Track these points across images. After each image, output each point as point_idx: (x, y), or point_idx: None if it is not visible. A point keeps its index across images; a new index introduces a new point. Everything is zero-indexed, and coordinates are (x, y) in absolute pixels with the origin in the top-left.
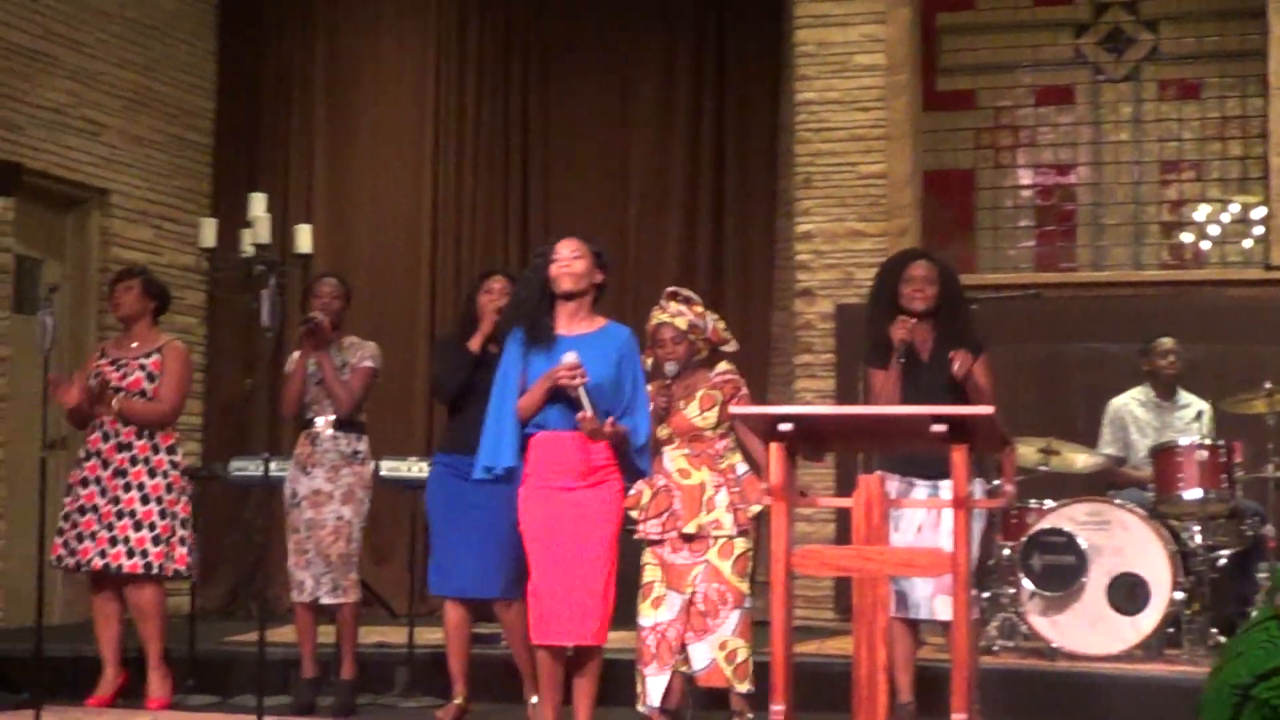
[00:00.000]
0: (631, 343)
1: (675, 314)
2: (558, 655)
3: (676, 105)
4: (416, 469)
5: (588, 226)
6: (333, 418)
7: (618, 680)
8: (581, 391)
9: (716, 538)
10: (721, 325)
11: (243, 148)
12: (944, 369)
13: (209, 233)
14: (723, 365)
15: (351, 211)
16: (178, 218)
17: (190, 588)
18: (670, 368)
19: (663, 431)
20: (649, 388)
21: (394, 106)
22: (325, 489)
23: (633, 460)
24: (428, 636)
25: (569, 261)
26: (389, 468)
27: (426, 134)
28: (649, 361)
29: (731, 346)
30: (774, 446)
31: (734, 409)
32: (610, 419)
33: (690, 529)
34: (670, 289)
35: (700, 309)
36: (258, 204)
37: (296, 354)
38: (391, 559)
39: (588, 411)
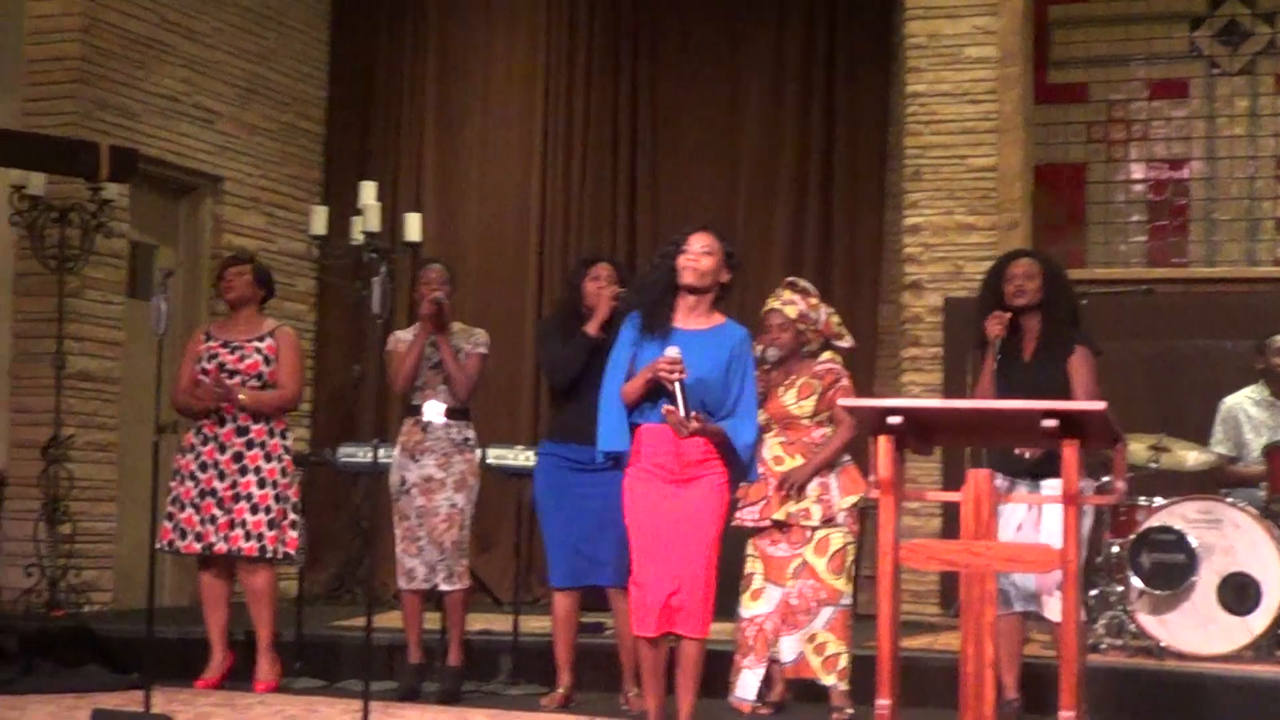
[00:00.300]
0: (745, 343)
1: (786, 302)
2: (659, 646)
3: (786, 96)
4: (523, 458)
5: (695, 215)
6: (443, 406)
7: (723, 672)
8: (677, 387)
9: (812, 529)
10: (836, 320)
11: (354, 136)
12: (1045, 368)
13: (320, 220)
14: (825, 355)
15: (460, 200)
16: (289, 205)
17: (298, 572)
18: (771, 353)
19: (760, 417)
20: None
21: (504, 95)
22: (437, 476)
23: (737, 460)
24: (532, 624)
25: (697, 257)
26: (495, 456)
27: (536, 123)
28: (759, 348)
29: (846, 343)
30: (882, 439)
31: (843, 401)
32: (695, 415)
33: (779, 516)
34: (789, 279)
35: (815, 301)
36: (368, 192)
37: (400, 333)
38: (495, 547)
39: (679, 409)
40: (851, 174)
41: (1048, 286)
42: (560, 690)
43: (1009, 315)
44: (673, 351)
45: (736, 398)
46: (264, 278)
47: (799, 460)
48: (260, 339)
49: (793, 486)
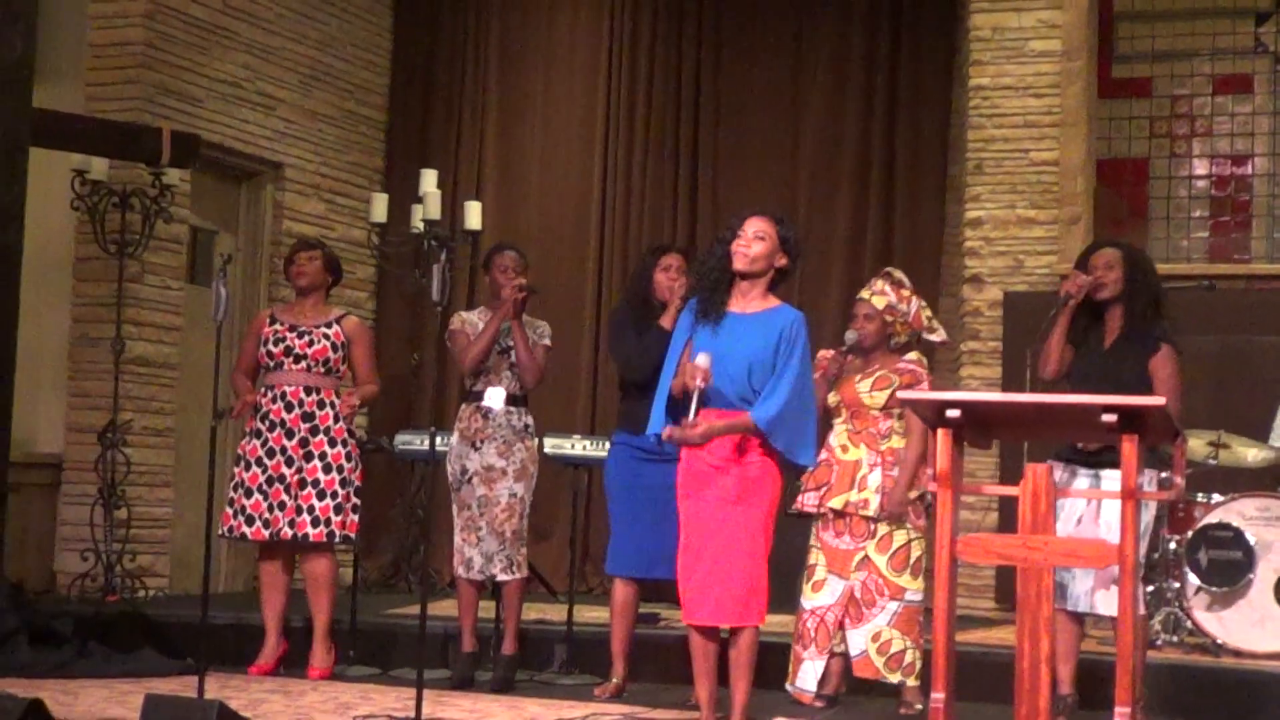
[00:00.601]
0: (796, 326)
1: (876, 293)
2: (710, 636)
3: (848, 88)
4: (580, 447)
5: (758, 200)
6: (504, 393)
7: (781, 662)
8: (695, 396)
9: (873, 523)
10: (928, 314)
11: (415, 124)
12: (1124, 360)
13: (380, 208)
14: (911, 355)
15: (521, 189)
16: (349, 192)
17: (354, 559)
18: (850, 336)
19: (832, 399)
20: (829, 354)
21: (565, 85)
22: (498, 465)
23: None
24: (586, 615)
25: (749, 242)
26: (552, 445)
27: (597, 112)
28: (847, 334)
29: (937, 337)
30: (941, 433)
31: (902, 394)
32: (695, 422)
33: (837, 504)
34: (886, 269)
35: (908, 293)
36: (429, 180)
37: (466, 314)
38: (551, 536)
39: (690, 417)
40: (913, 166)
41: (1129, 278)
42: (614, 681)
43: (1086, 276)
44: (703, 360)
45: (774, 380)
46: (334, 264)
47: (863, 450)
48: (328, 325)
49: (892, 517)
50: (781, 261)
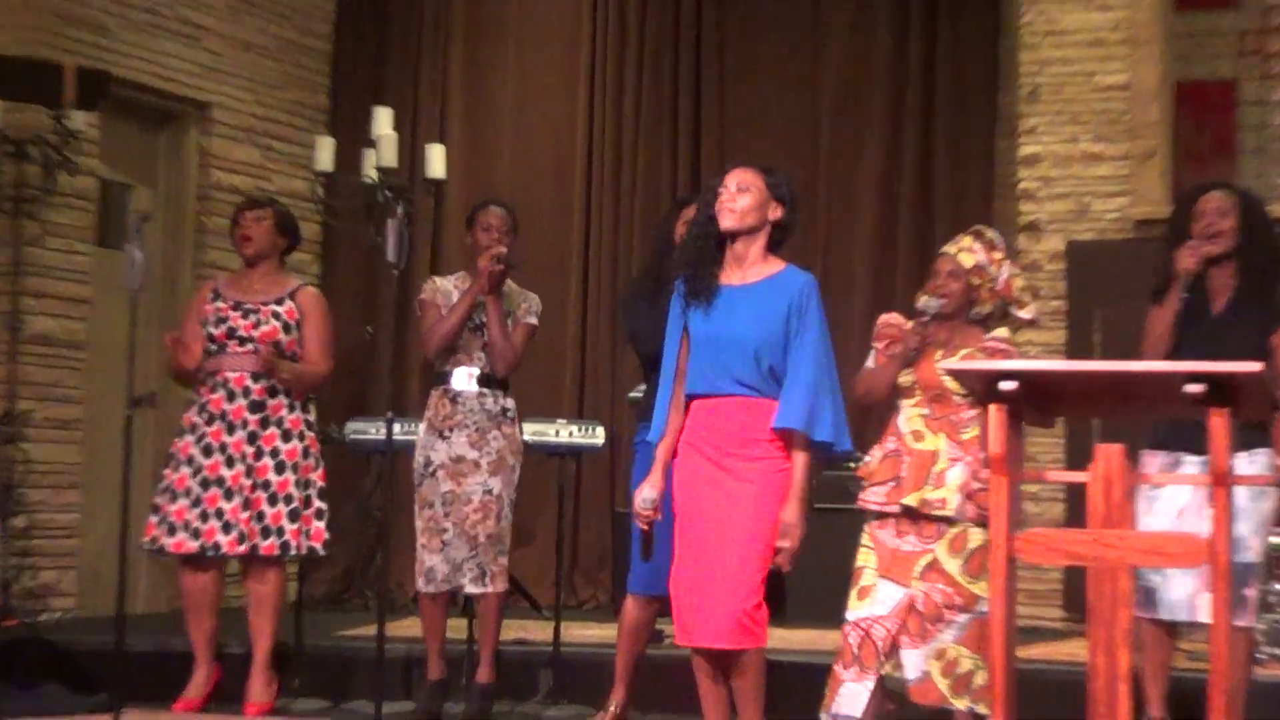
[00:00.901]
0: (807, 291)
1: (963, 249)
2: (715, 661)
3: (877, 4)
4: (565, 433)
5: (770, 151)
6: (477, 372)
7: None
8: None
9: (945, 522)
10: (1021, 284)
11: (366, 54)
12: (1238, 328)
13: (325, 154)
14: (1002, 331)
15: (492, 131)
16: (289, 136)
17: (298, 573)
18: (931, 303)
19: (905, 378)
20: (900, 322)
21: (545, 6)
22: (469, 456)
23: (803, 435)
24: (576, 633)
25: (732, 196)
26: (533, 431)
27: (582, 39)
28: (922, 299)
29: (1027, 313)
30: (993, 409)
31: (943, 363)
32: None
33: (910, 501)
34: (976, 227)
35: (1000, 257)
36: (383, 120)
37: (440, 280)
38: (534, 540)
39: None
40: (956, 96)
41: (1245, 228)
42: (612, 708)
43: (1206, 246)
44: (647, 493)
45: (792, 365)
46: (287, 225)
47: (941, 440)
48: (279, 301)
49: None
50: (776, 213)
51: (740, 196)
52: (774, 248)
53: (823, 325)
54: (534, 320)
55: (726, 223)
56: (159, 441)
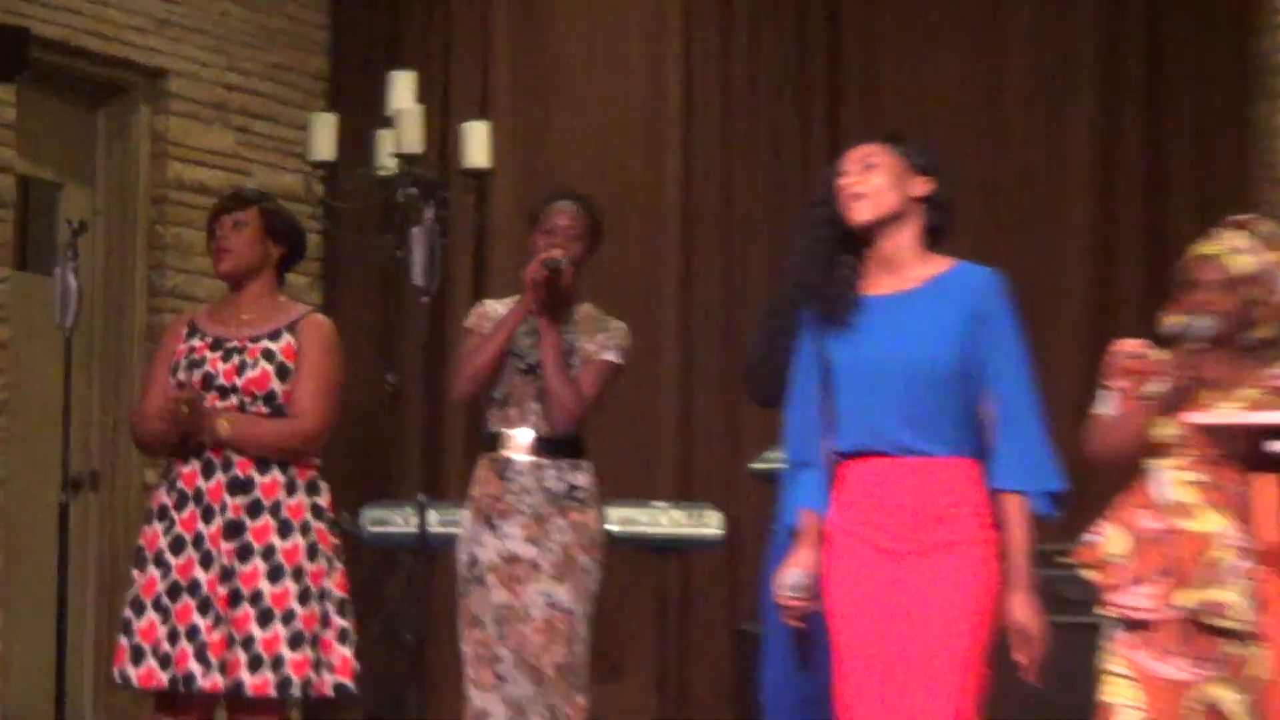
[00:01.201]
0: (993, 289)
1: (1231, 250)
2: None
3: None
4: (665, 519)
5: (940, 122)
6: (532, 434)
7: None
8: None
9: (1229, 637)
10: None
11: (381, 2)
12: None
13: (325, 138)
14: None
15: (553, 101)
16: (274, 114)
17: (303, 711)
18: (1199, 324)
19: (1166, 429)
20: (1152, 354)
21: None
22: (525, 554)
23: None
24: None
25: (857, 178)
26: (621, 518)
27: None
28: (1177, 319)
29: None
30: (1263, 481)
31: (1192, 415)
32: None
33: (1187, 603)
34: (1237, 217)
35: (1277, 259)
36: (403, 90)
37: (493, 304)
38: (625, 672)
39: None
40: (1195, 44)
41: None
42: None
43: None
44: (795, 578)
45: (998, 376)
46: (281, 226)
47: (1219, 521)
48: (275, 336)
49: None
50: (920, 188)
51: (868, 177)
52: (932, 241)
53: (1019, 332)
54: (615, 357)
55: (860, 214)
56: (114, 534)
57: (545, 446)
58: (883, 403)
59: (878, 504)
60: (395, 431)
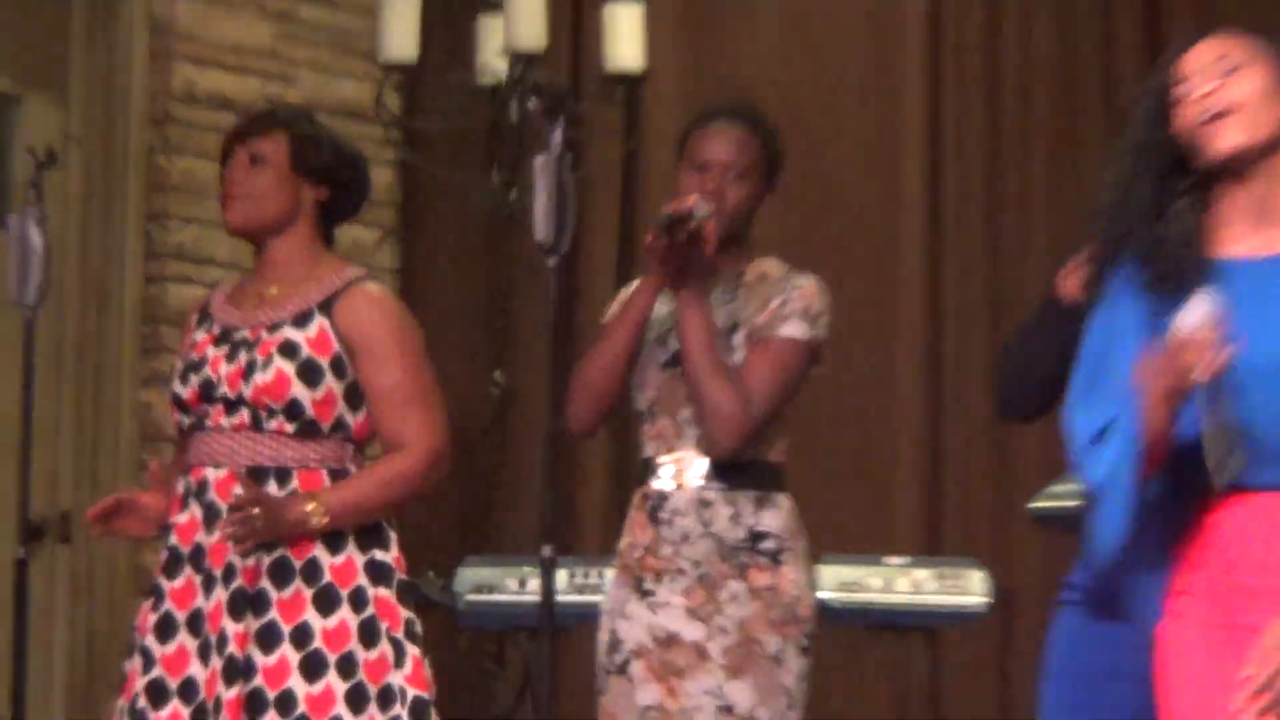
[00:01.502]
0: None
1: None
2: None
3: None
4: (906, 584)
5: None
6: (694, 460)
7: None
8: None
9: None
10: None
11: None
12: None
13: (403, 29)
14: None
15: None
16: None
17: None
18: None
19: None
20: None
21: None
22: (689, 635)
23: None
24: None
25: (1215, 84)
26: (840, 583)
27: None
28: None
29: None
30: None
31: None
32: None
33: None
34: None
35: None
36: None
37: (635, 287)
38: None
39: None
40: None
41: None
42: None
43: None
44: (1201, 310)
45: None
46: (318, 158)
47: None
48: (301, 319)
49: None
50: None
51: (1234, 82)
52: None
53: None
54: (800, 332)
55: (1224, 139)
56: (91, 602)
57: (715, 474)
58: (1267, 416)
59: (1256, 562)
60: (505, 454)
